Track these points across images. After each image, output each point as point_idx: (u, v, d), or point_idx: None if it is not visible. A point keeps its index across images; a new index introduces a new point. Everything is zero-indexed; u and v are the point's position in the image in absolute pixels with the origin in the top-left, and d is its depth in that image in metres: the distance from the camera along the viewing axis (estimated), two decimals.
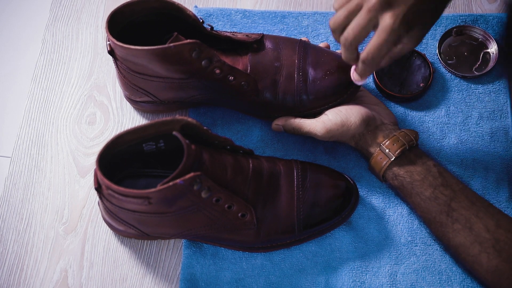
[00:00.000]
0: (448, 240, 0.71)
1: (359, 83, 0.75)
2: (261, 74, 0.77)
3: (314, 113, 0.79)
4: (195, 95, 0.78)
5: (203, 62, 0.73)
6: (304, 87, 0.77)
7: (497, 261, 0.68)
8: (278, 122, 0.79)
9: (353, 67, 0.75)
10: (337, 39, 0.70)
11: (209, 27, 0.78)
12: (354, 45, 0.68)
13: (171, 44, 0.71)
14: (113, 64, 0.78)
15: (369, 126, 0.76)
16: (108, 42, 0.75)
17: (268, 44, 0.79)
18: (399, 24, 0.64)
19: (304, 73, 0.77)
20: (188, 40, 0.71)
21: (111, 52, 0.75)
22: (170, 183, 0.64)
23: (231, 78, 0.76)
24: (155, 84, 0.77)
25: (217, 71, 0.75)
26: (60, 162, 0.82)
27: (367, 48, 0.67)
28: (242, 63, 0.78)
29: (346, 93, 0.77)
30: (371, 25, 0.66)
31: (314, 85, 0.77)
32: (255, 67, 0.78)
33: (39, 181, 0.81)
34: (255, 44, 0.79)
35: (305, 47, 0.79)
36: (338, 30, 0.69)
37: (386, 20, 0.64)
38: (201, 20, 0.77)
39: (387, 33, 0.65)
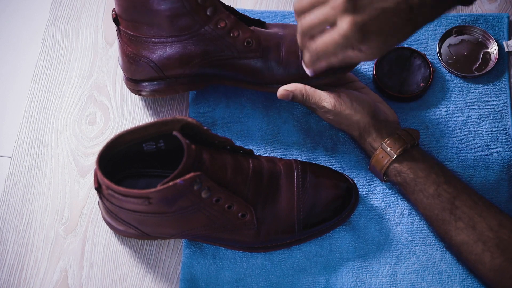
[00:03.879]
0: (450, 238, 0.71)
1: (308, 72, 0.74)
2: (265, 36, 0.77)
3: (317, 84, 0.78)
4: (197, 64, 0.78)
5: (208, 11, 0.73)
6: None
7: (500, 260, 0.68)
8: (288, 88, 0.77)
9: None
10: (296, 19, 0.70)
11: None
12: (307, 33, 0.68)
13: None
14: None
15: (375, 117, 0.76)
16: (113, 12, 0.76)
17: (270, 26, 0.80)
18: (354, 32, 0.63)
19: None
20: None
21: (115, 19, 0.76)
22: (170, 183, 0.64)
23: (236, 33, 0.75)
24: (158, 49, 0.76)
25: (222, 23, 0.74)
26: (60, 162, 0.82)
27: (317, 41, 0.67)
28: None
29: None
30: (329, 22, 0.65)
31: None
32: (259, 32, 0.77)
33: (39, 181, 0.81)
34: (257, 24, 0.80)
35: None
36: (299, 13, 0.68)
37: (343, 24, 0.64)
38: None
39: (339, 36, 0.64)
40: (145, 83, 0.81)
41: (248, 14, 0.90)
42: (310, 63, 0.71)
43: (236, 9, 0.90)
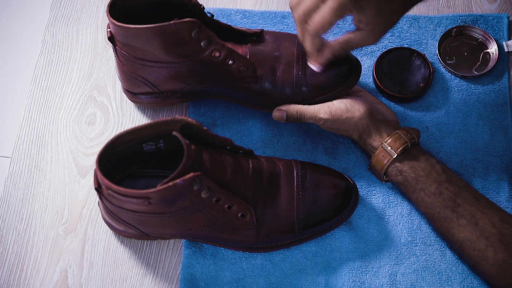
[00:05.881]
0: (452, 236, 0.71)
1: (315, 68, 0.76)
2: (261, 61, 0.77)
3: (313, 103, 0.79)
4: (193, 83, 0.78)
5: (202, 43, 0.73)
6: (303, 77, 0.77)
7: (503, 254, 0.68)
8: (282, 108, 0.78)
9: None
10: (293, 15, 0.72)
11: (210, 15, 0.78)
12: (303, 19, 0.70)
13: (171, 22, 0.71)
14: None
15: (373, 117, 0.76)
16: (108, 29, 0.75)
17: (267, 37, 0.79)
18: None
19: (303, 63, 0.77)
20: (188, 19, 0.71)
21: (111, 38, 0.76)
22: (170, 183, 0.64)
23: (230, 62, 0.75)
24: (154, 71, 0.77)
25: (216, 53, 0.74)
26: (60, 162, 0.82)
27: (314, 18, 0.69)
28: (242, 51, 0.78)
29: (345, 82, 0.78)
30: None
31: (313, 76, 0.77)
32: (254, 55, 0.77)
33: (39, 181, 0.81)
34: (254, 37, 0.79)
35: None
36: (294, 7, 0.71)
37: None
38: (202, 6, 0.76)
39: (334, 1, 0.67)
40: (142, 96, 0.82)
41: (248, 15, 0.90)
42: (313, 50, 0.72)
43: (236, 10, 0.91)
